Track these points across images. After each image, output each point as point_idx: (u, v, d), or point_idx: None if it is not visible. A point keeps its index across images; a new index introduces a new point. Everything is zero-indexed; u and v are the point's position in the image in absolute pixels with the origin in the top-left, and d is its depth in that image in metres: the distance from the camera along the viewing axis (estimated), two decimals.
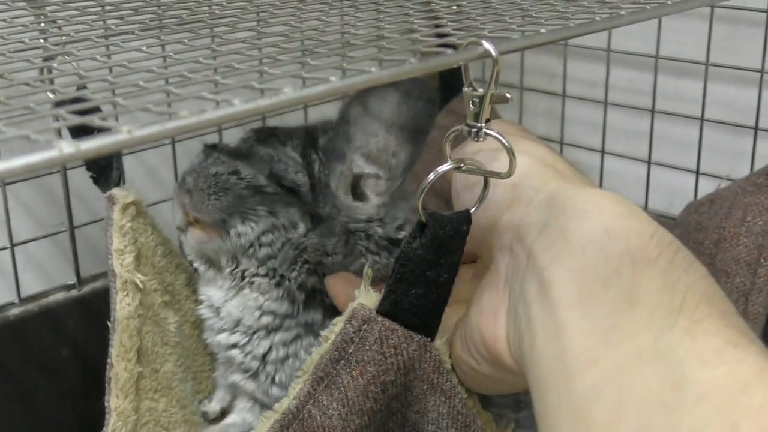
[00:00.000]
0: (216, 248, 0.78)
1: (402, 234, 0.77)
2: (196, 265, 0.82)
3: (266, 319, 0.77)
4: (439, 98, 1.28)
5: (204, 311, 0.82)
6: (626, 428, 0.46)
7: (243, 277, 0.78)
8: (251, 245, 0.76)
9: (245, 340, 0.79)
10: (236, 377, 0.80)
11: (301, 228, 0.76)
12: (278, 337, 0.78)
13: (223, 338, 0.80)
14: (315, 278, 0.76)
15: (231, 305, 0.79)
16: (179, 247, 0.88)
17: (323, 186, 0.77)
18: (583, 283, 0.51)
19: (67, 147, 0.37)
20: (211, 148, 0.79)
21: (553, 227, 0.55)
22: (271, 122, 0.96)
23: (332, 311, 0.75)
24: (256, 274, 0.77)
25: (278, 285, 0.77)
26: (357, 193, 0.77)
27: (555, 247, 0.54)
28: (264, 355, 0.78)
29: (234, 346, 0.79)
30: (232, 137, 0.84)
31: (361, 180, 0.76)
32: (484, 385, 0.64)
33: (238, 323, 0.79)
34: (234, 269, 0.78)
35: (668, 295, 0.49)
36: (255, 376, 0.79)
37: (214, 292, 0.81)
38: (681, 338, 0.47)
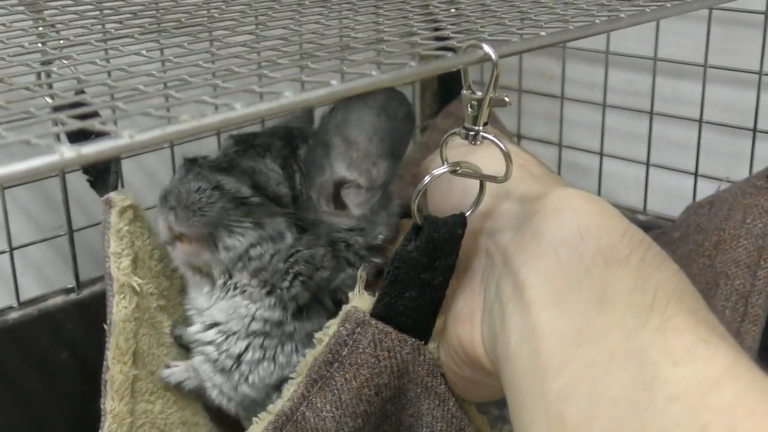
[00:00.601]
0: (206, 261, 0.78)
1: (380, 240, 0.76)
2: (183, 272, 0.82)
3: (256, 326, 0.77)
4: (438, 100, 1.29)
5: (191, 312, 0.82)
6: (599, 429, 0.46)
7: (236, 288, 0.78)
8: (240, 258, 0.76)
9: (221, 338, 0.79)
10: (205, 368, 0.80)
11: (288, 238, 0.75)
12: (258, 341, 0.77)
13: (200, 334, 0.80)
14: (308, 294, 0.76)
15: (215, 309, 0.79)
16: None
17: (305, 198, 0.77)
18: (556, 283, 0.52)
19: (68, 151, 0.37)
20: (191, 162, 0.79)
21: (527, 228, 0.55)
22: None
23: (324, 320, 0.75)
24: (249, 284, 0.77)
25: (270, 293, 0.76)
26: (338, 203, 0.76)
27: (529, 248, 0.54)
28: (239, 355, 0.78)
29: (210, 343, 0.79)
30: None
31: (342, 188, 0.76)
32: (470, 390, 0.64)
33: (216, 324, 0.79)
34: (227, 281, 0.78)
35: (639, 293, 0.49)
36: (227, 372, 0.79)
37: (197, 296, 0.81)
38: (652, 337, 0.47)
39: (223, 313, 0.79)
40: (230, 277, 0.77)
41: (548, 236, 0.54)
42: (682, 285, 0.51)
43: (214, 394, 0.80)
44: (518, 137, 1.29)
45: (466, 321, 0.60)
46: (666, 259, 0.52)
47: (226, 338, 0.79)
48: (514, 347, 0.53)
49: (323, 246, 0.75)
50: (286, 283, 0.76)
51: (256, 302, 0.77)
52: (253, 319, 0.77)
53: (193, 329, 0.81)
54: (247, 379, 0.78)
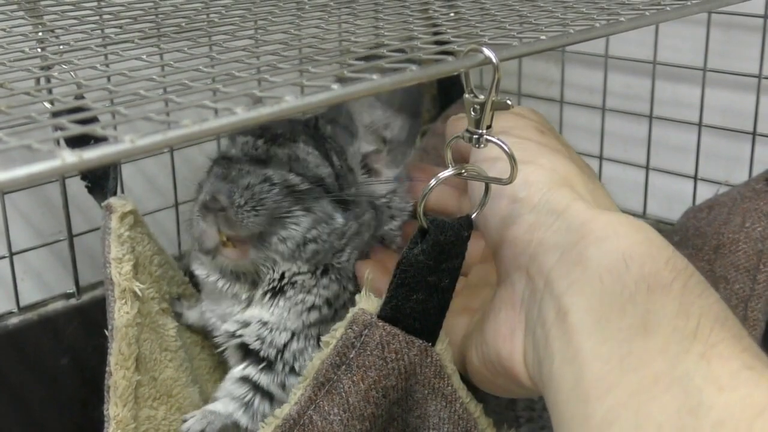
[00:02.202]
0: (253, 262, 0.76)
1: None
2: (221, 284, 0.79)
3: (314, 316, 0.77)
4: (437, 104, 1.29)
5: (208, 314, 0.82)
6: None
7: (282, 279, 0.77)
8: (297, 246, 0.75)
9: (266, 331, 0.78)
10: (250, 371, 0.79)
11: (338, 217, 0.76)
12: (310, 331, 0.77)
13: (241, 329, 0.79)
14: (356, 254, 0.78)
15: (258, 311, 0.78)
16: (176, 259, 0.88)
17: (346, 170, 0.78)
18: (600, 310, 0.52)
19: (70, 156, 0.36)
20: (226, 161, 0.77)
21: (571, 253, 0.55)
22: None
23: None
24: (298, 273, 0.76)
25: (325, 273, 0.77)
26: (369, 171, 0.78)
27: (573, 274, 0.54)
28: (285, 344, 0.77)
29: (247, 336, 0.78)
30: None
31: (366, 158, 0.78)
32: (500, 391, 0.65)
33: (265, 323, 0.78)
34: (273, 275, 0.77)
35: (683, 319, 0.49)
36: (270, 366, 0.78)
37: (227, 305, 0.80)
38: (697, 363, 0.47)
39: (274, 316, 0.78)
40: (275, 270, 0.76)
41: (593, 263, 0.54)
42: (724, 312, 0.51)
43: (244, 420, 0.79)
44: None
45: (507, 339, 0.60)
46: (708, 287, 0.52)
47: (270, 331, 0.78)
48: (557, 372, 0.53)
49: (368, 212, 0.77)
50: (344, 257, 0.76)
51: (311, 290, 0.76)
52: (310, 310, 0.77)
53: (226, 326, 0.80)
54: (293, 368, 0.77)
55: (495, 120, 0.58)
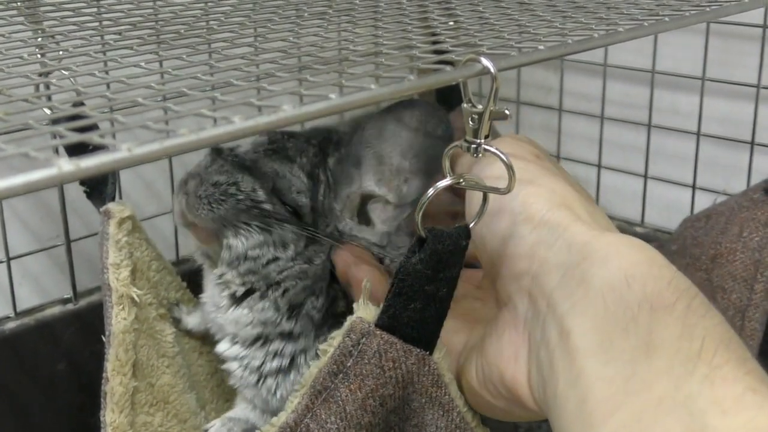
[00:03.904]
0: (215, 251, 0.78)
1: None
2: (199, 261, 0.82)
3: (256, 330, 0.78)
4: None
5: (209, 307, 0.82)
6: None
7: (227, 286, 0.78)
8: (237, 258, 0.76)
9: (244, 352, 0.79)
10: (234, 383, 0.81)
11: (291, 250, 0.76)
12: (271, 346, 0.78)
13: (224, 349, 0.80)
14: (302, 297, 0.77)
15: (224, 319, 0.79)
16: (174, 265, 0.88)
17: (326, 209, 0.77)
18: (603, 330, 0.52)
19: (67, 165, 0.36)
20: (217, 153, 0.79)
21: (573, 274, 0.55)
22: None
23: (321, 323, 0.76)
24: (233, 282, 0.77)
25: (262, 298, 0.77)
26: (362, 217, 0.76)
27: (576, 294, 0.54)
28: (259, 367, 0.78)
29: (234, 358, 0.79)
30: None
31: (368, 203, 0.76)
32: (499, 414, 0.64)
33: (235, 336, 0.79)
34: (221, 275, 0.78)
35: (687, 341, 0.49)
36: (255, 387, 0.79)
37: (212, 291, 0.81)
38: (701, 385, 0.47)
39: (231, 325, 0.79)
40: (223, 273, 0.78)
41: (595, 283, 0.53)
42: (729, 333, 0.51)
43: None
44: None
45: (510, 360, 0.59)
46: (711, 308, 0.52)
47: (247, 352, 0.78)
48: (561, 394, 0.53)
49: (325, 254, 0.76)
50: (278, 293, 0.76)
51: (252, 308, 0.77)
52: (251, 323, 0.77)
53: (221, 347, 0.81)
54: (275, 393, 0.78)
55: (495, 144, 0.58)
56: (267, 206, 0.76)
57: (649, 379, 0.48)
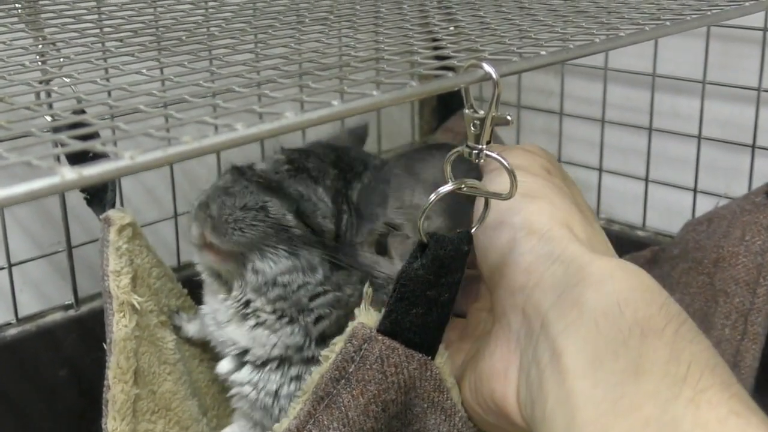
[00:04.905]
0: (228, 270, 0.77)
1: None
2: (203, 276, 0.81)
3: (277, 352, 0.76)
4: (437, 117, 1.29)
5: (208, 320, 0.81)
6: None
7: (247, 306, 0.76)
8: (266, 284, 0.74)
9: (257, 376, 0.77)
10: (242, 405, 0.79)
11: (320, 273, 0.74)
12: (291, 371, 0.77)
13: (228, 369, 0.79)
14: (334, 328, 0.75)
15: (235, 333, 0.78)
16: (175, 271, 0.88)
17: (347, 241, 0.76)
18: (594, 353, 0.53)
19: (70, 173, 0.36)
20: (239, 173, 0.77)
21: (568, 296, 0.56)
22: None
23: None
24: (263, 311, 0.76)
25: (291, 322, 0.76)
26: (380, 248, 0.75)
27: (569, 316, 0.55)
28: (276, 391, 0.77)
29: (247, 382, 0.78)
30: (231, 156, 0.83)
31: (388, 236, 0.74)
32: (490, 428, 0.65)
33: (246, 352, 0.78)
34: (240, 297, 0.77)
35: (674, 365, 0.50)
36: (268, 409, 0.78)
37: (218, 306, 0.79)
38: (685, 408, 0.48)
39: (245, 338, 0.77)
40: (244, 294, 0.76)
41: (589, 307, 0.54)
42: (715, 358, 0.52)
43: None
44: None
45: (500, 376, 0.60)
46: (699, 333, 0.53)
47: (260, 375, 0.77)
48: (550, 413, 0.53)
49: (354, 285, 0.75)
50: (310, 318, 0.75)
51: (276, 331, 0.76)
52: (273, 347, 0.76)
53: (224, 366, 0.80)
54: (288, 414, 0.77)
55: (504, 155, 0.58)
56: (297, 231, 0.74)
57: (637, 401, 0.49)
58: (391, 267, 0.74)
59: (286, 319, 0.75)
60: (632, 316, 0.53)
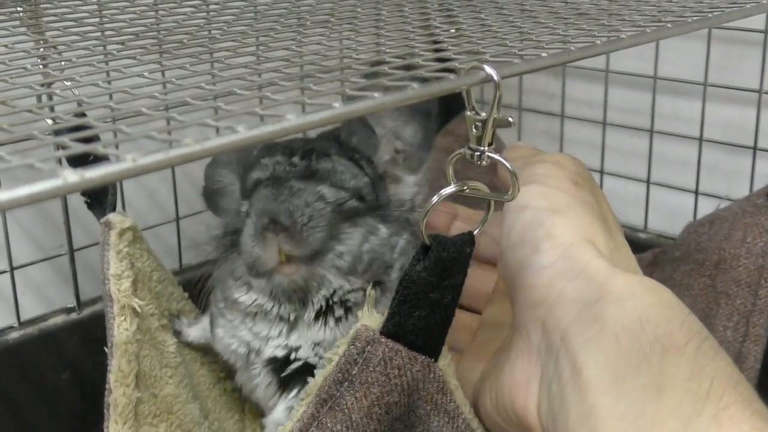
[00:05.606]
0: (304, 278, 0.75)
1: None
2: (269, 305, 0.77)
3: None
4: (438, 119, 1.29)
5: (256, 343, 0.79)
6: None
7: (333, 297, 0.75)
8: (354, 259, 0.74)
9: (322, 350, 0.76)
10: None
11: (383, 230, 0.75)
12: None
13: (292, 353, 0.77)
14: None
15: (315, 334, 0.76)
16: (176, 274, 0.88)
17: (377, 179, 0.78)
18: (615, 368, 0.53)
19: (72, 176, 0.36)
20: (276, 180, 0.75)
21: (589, 312, 0.56)
22: None
23: None
24: (351, 291, 0.75)
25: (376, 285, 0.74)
26: (391, 179, 0.79)
27: (590, 331, 0.55)
28: None
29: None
30: None
31: (385, 166, 0.78)
32: None
33: (318, 343, 0.77)
34: (323, 293, 0.75)
35: (696, 381, 0.50)
36: None
37: (268, 328, 0.78)
38: (708, 425, 0.48)
39: (327, 335, 0.76)
40: (332, 291, 0.75)
41: (610, 322, 0.55)
42: (737, 375, 0.52)
43: None
44: None
45: (522, 388, 0.60)
46: (721, 350, 0.54)
47: (325, 349, 0.75)
48: (571, 427, 0.54)
49: (407, 230, 0.76)
50: (394, 274, 0.75)
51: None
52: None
53: (271, 352, 0.78)
54: None
55: (532, 167, 0.58)
56: (351, 203, 0.75)
57: (659, 417, 0.50)
58: (408, 188, 0.80)
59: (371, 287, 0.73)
60: (653, 332, 0.53)
